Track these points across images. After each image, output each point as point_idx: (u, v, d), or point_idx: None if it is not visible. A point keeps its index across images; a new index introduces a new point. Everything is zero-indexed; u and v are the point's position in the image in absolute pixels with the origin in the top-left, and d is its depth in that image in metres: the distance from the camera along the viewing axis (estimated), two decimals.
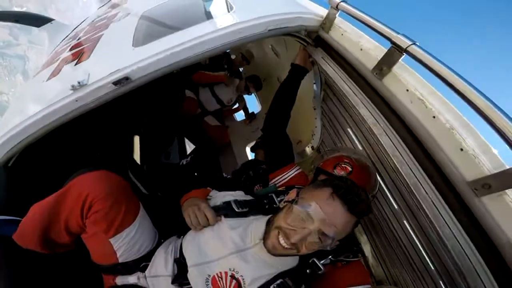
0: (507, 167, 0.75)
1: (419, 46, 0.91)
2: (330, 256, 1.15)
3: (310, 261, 1.12)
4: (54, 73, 1.48)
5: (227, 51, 3.98)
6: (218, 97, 3.26)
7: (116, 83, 1.13)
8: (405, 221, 1.49)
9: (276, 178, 1.48)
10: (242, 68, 4.02)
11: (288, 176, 1.46)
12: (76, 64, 1.41)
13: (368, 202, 1.05)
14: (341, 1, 1.13)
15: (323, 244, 0.92)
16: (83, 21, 2.65)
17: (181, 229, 1.19)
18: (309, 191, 1.00)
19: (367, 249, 1.97)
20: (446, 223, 0.88)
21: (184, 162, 2.00)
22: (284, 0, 1.48)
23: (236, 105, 3.72)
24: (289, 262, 1.07)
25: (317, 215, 0.90)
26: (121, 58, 1.22)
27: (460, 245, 0.84)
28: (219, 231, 1.09)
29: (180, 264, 1.11)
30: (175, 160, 2.93)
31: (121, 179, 1.12)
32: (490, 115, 0.73)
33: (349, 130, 1.80)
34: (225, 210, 1.14)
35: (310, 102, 2.23)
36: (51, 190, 1.47)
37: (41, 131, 1.23)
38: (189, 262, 1.08)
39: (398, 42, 0.94)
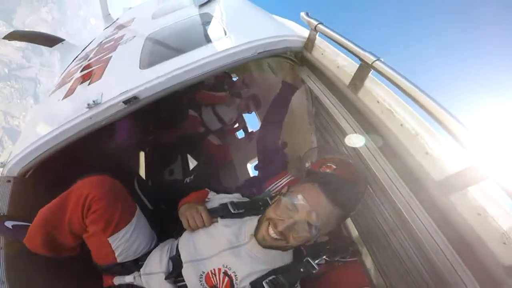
0: (465, 166, 0.84)
1: (383, 62, 1.04)
2: (324, 256, 1.20)
3: (304, 260, 1.16)
4: (69, 93, 1.65)
5: (230, 73, 4.23)
6: (220, 116, 3.42)
7: (126, 102, 1.29)
8: (398, 231, 1.58)
9: (271, 186, 1.59)
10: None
11: (282, 183, 1.57)
12: (89, 85, 1.59)
13: (352, 195, 1.16)
14: (318, 24, 1.29)
15: (309, 235, 0.99)
16: (91, 42, 2.87)
17: (178, 232, 1.27)
18: (296, 186, 1.10)
19: (368, 260, 2.00)
20: (421, 221, 0.99)
21: (188, 180, 2.14)
22: (272, 24, 1.67)
23: (236, 125, 3.90)
24: (282, 259, 1.13)
25: (302, 206, 0.99)
26: (130, 79, 1.39)
27: (436, 243, 0.93)
28: (214, 230, 1.17)
29: (176, 261, 1.17)
30: (178, 176, 3.04)
31: (118, 182, 1.21)
32: (444, 120, 0.84)
33: (339, 142, 1.92)
34: (221, 212, 1.21)
35: (305, 118, 2.38)
36: None
37: (58, 146, 1.39)
38: (184, 258, 1.14)
39: (364, 59, 1.08)
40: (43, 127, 1.49)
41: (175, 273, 1.15)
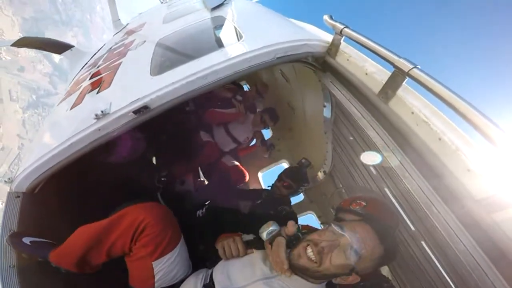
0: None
1: (420, 70, 0.98)
2: None
3: None
4: (77, 102, 1.62)
5: (243, 84, 3.99)
6: (234, 136, 3.09)
7: (136, 112, 1.24)
8: (422, 242, 1.50)
9: None
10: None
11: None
12: (98, 93, 1.55)
13: (395, 238, 1.16)
14: (344, 27, 1.22)
15: (346, 262, 0.99)
16: (100, 48, 2.88)
17: (212, 262, 1.34)
18: (343, 223, 1.12)
19: (384, 271, 1.96)
20: (460, 239, 0.92)
21: (200, 214, 2.08)
22: (291, 28, 1.60)
23: (253, 142, 3.45)
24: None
25: (350, 233, 1.02)
26: (140, 87, 1.34)
27: (475, 260, 0.87)
28: (248, 261, 1.24)
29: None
30: (189, 187, 2.98)
31: (169, 210, 1.32)
32: (491, 134, 0.78)
33: (359, 150, 1.84)
34: (256, 244, 1.29)
35: (320, 126, 2.30)
36: (77, 213, 1.60)
37: (66, 161, 1.35)
38: (218, 286, 1.19)
39: (400, 66, 1.01)
40: (51, 139, 1.46)
41: None
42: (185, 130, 3.09)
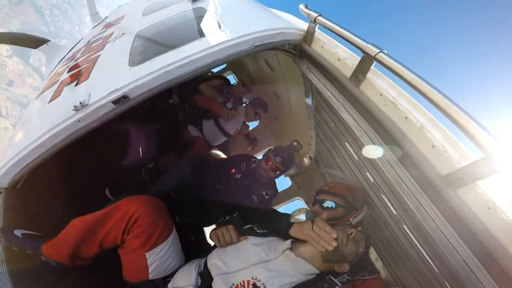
0: (474, 160, 0.85)
1: (386, 54, 1.04)
2: (345, 275, 1.29)
3: (326, 277, 1.27)
4: (55, 95, 1.62)
5: (228, 74, 4.03)
6: (224, 129, 3.15)
7: (115, 102, 1.27)
8: (404, 225, 1.59)
9: None
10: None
11: None
12: (76, 85, 1.56)
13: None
14: (318, 16, 1.28)
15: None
16: (78, 42, 2.84)
17: (205, 252, 1.43)
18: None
19: (373, 253, 2.07)
20: (429, 216, 0.97)
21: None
22: (269, 17, 1.65)
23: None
24: (308, 275, 1.26)
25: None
26: (119, 78, 1.37)
27: (446, 237, 0.93)
28: (242, 247, 1.35)
29: (204, 276, 1.32)
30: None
31: (162, 202, 1.37)
32: (452, 113, 0.84)
33: (341, 136, 1.93)
34: (248, 232, 1.41)
35: (304, 113, 2.38)
36: (61, 206, 1.62)
37: (46, 154, 1.36)
38: (214, 273, 1.28)
39: (367, 51, 1.07)
40: (30, 133, 1.46)
41: (203, 287, 1.29)
42: (172, 123, 3.10)
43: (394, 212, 1.62)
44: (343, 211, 1.56)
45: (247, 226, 1.46)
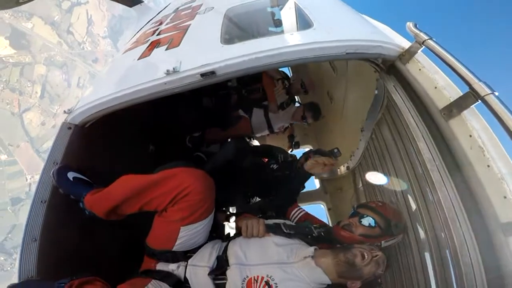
0: None
1: (497, 97, 0.98)
2: None
3: None
4: (145, 54, 1.77)
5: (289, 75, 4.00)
6: (270, 122, 3.27)
7: (203, 74, 1.36)
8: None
9: (293, 213, 2.04)
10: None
11: (300, 212, 2.03)
12: (166, 49, 1.68)
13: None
14: (428, 39, 1.22)
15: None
16: (166, 7, 3.03)
17: (228, 236, 1.52)
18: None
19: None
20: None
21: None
22: (365, 25, 1.61)
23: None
24: (323, 281, 1.29)
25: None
26: (210, 53, 1.45)
27: None
28: (266, 243, 1.40)
29: (221, 261, 1.37)
30: (214, 149, 3.18)
31: (213, 181, 1.37)
32: None
33: (397, 157, 1.86)
34: (274, 229, 1.47)
35: (358, 123, 2.33)
36: (109, 156, 1.78)
37: (122, 105, 1.49)
38: (232, 261, 1.33)
39: (477, 89, 1.01)
40: (115, 83, 1.61)
41: (218, 272, 1.33)
42: (226, 103, 3.30)
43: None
44: (380, 233, 1.55)
45: (275, 222, 1.53)
